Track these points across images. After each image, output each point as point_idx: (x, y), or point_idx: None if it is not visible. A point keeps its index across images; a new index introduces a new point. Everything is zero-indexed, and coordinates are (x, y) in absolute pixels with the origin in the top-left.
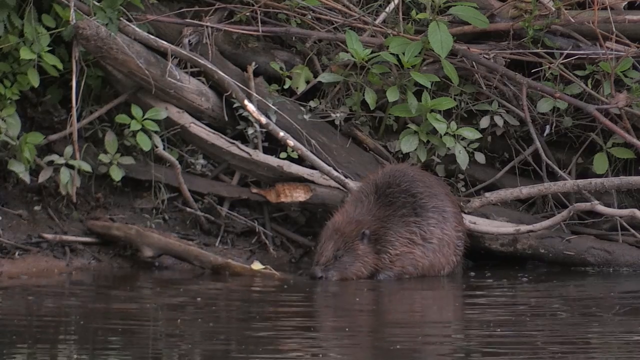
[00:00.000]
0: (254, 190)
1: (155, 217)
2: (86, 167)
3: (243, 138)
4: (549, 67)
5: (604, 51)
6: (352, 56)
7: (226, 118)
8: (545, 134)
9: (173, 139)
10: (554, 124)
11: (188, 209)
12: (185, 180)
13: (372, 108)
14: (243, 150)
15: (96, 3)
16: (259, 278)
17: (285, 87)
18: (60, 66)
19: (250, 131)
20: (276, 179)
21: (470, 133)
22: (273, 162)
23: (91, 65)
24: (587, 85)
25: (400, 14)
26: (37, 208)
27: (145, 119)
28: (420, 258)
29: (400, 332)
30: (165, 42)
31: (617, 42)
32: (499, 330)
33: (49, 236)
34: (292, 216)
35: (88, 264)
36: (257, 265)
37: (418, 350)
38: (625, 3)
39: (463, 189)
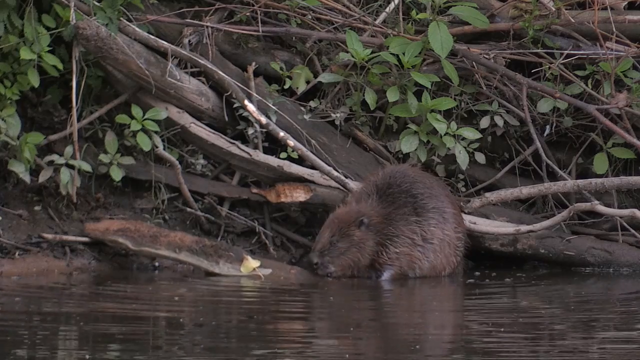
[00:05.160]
0: (254, 190)
1: (156, 217)
2: (86, 167)
3: (243, 138)
4: (549, 67)
5: (604, 51)
6: (352, 56)
7: (226, 118)
8: (545, 134)
9: (173, 139)
10: (554, 124)
11: (188, 209)
12: (186, 180)
13: (372, 108)
14: (243, 151)
15: (96, 3)
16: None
17: (286, 87)
18: (60, 66)
19: (250, 131)
20: (276, 179)
21: (470, 133)
22: (273, 162)
23: (91, 65)
24: (587, 85)
25: (401, 14)
26: (37, 208)
27: (146, 119)
28: (420, 259)
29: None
30: (165, 42)
31: (617, 42)
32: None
33: (49, 236)
34: (292, 216)
35: (88, 264)
36: (246, 267)
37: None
38: (625, 3)
39: (463, 189)
